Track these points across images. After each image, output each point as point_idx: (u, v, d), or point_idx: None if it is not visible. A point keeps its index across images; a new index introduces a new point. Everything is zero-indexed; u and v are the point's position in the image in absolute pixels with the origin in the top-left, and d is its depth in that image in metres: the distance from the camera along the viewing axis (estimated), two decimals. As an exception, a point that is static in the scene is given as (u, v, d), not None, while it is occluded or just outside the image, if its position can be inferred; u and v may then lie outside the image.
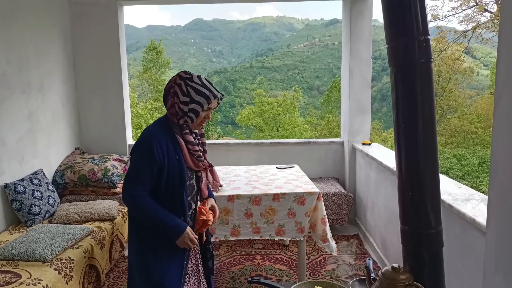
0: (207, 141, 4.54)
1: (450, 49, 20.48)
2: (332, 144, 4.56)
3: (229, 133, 32.66)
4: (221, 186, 2.89)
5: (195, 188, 1.86)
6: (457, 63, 20.98)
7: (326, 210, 3.84)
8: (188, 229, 1.75)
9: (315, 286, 1.74)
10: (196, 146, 1.78)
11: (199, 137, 1.86)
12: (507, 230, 1.10)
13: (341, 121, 4.62)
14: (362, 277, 1.77)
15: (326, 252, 3.34)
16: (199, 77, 1.77)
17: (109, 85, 4.29)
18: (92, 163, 3.88)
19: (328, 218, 3.87)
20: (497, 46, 1.16)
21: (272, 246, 3.74)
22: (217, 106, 1.82)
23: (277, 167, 3.53)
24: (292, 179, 3.10)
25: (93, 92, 4.29)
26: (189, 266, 1.90)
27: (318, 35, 76.72)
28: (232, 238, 2.74)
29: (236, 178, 3.16)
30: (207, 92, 1.73)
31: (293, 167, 3.55)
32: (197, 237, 1.81)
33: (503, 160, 1.10)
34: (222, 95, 1.80)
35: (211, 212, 1.91)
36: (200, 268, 1.97)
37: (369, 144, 4.15)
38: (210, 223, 1.86)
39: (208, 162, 1.86)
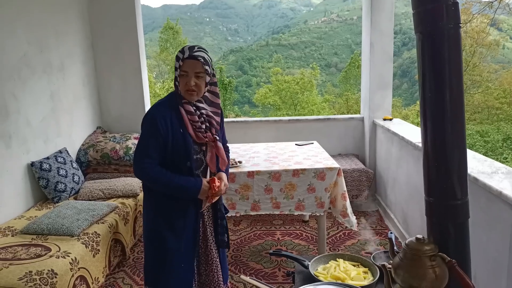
0: (226, 120, 4.55)
1: (475, 21, 19.63)
2: (352, 120, 4.50)
3: (246, 112, 32.60)
4: (240, 162, 2.91)
5: (203, 163, 1.87)
6: (482, 36, 20.15)
7: (347, 186, 3.83)
8: (204, 181, 1.80)
9: (337, 259, 1.75)
10: (196, 117, 1.77)
11: (203, 111, 1.82)
12: None
13: (361, 96, 4.53)
14: (384, 250, 1.77)
15: (346, 227, 3.36)
16: (185, 45, 1.79)
17: (127, 65, 4.31)
18: (114, 141, 3.95)
19: (348, 195, 3.87)
20: None
21: (291, 222, 3.77)
22: (205, 72, 1.72)
23: (296, 144, 3.52)
24: (312, 155, 3.09)
25: (112, 72, 4.32)
26: (208, 234, 1.93)
27: (336, 10, 74.79)
28: (252, 213, 2.77)
29: (256, 155, 3.17)
30: (180, 55, 1.73)
31: (312, 143, 3.53)
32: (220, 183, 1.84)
33: None
34: (194, 57, 1.70)
35: (219, 180, 1.86)
36: (210, 239, 1.97)
37: (390, 119, 4.07)
38: (216, 189, 1.82)
39: (213, 136, 1.82)
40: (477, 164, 2.21)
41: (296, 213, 2.79)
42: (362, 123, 4.44)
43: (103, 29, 4.22)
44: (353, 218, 2.76)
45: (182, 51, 1.75)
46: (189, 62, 1.71)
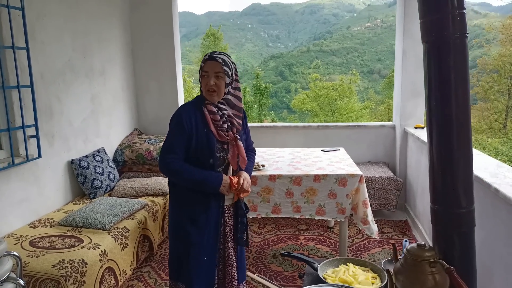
0: (255, 124, 4.64)
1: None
2: (383, 128, 4.44)
3: (284, 118, 32.65)
4: (263, 166, 2.98)
5: (225, 161, 1.96)
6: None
7: (374, 195, 3.80)
8: (225, 176, 1.91)
9: (347, 263, 1.78)
10: (218, 116, 1.89)
11: (225, 112, 1.92)
12: None
13: (394, 104, 4.46)
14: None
15: (370, 236, 3.32)
16: (210, 51, 1.94)
17: (164, 71, 4.52)
18: (149, 143, 4.16)
19: (375, 203, 3.84)
20: None
21: (316, 227, 3.78)
22: (224, 73, 1.85)
23: (322, 150, 3.53)
24: (336, 162, 3.10)
25: (150, 77, 4.55)
26: (227, 231, 2.01)
27: (381, 16, 73.11)
28: (273, 216, 2.83)
29: (280, 159, 3.22)
30: (203, 58, 1.90)
31: (339, 150, 3.53)
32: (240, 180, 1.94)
33: None
34: (214, 58, 1.85)
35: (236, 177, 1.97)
36: (229, 237, 2.04)
37: (422, 128, 3.98)
38: (236, 185, 1.92)
39: (234, 135, 1.92)
40: (501, 175, 2.14)
41: (316, 218, 2.82)
42: (393, 131, 4.37)
43: (142, 36, 4.47)
44: (374, 226, 2.74)
45: (205, 55, 1.92)
46: (209, 63, 1.87)
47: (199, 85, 1.97)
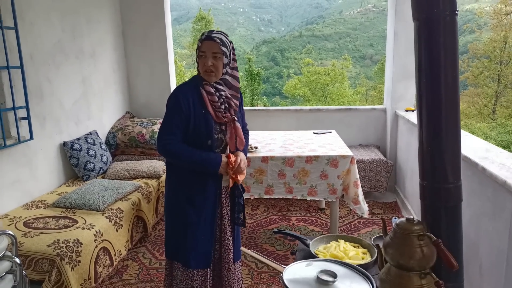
0: (248, 108, 4.65)
1: (520, 12, 18.59)
2: (374, 111, 4.48)
3: (276, 104, 32.59)
4: (256, 148, 3.00)
5: (223, 142, 1.97)
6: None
7: (365, 177, 3.86)
8: (224, 156, 1.91)
9: (338, 239, 1.83)
10: (216, 97, 1.87)
11: (223, 93, 1.91)
12: None
13: (385, 87, 4.49)
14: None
15: (361, 216, 3.39)
16: (207, 30, 1.91)
17: (155, 53, 4.48)
18: (141, 126, 4.15)
19: (366, 185, 3.90)
20: None
21: (308, 209, 3.84)
22: (222, 53, 1.82)
23: (314, 132, 3.57)
24: (327, 143, 3.14)
25: (141, 60, 4.51)
26: (224, 212, 2.04)
27: (373, 0, 72.64)
28: (266, 196, 2.87)
29: (272, 142, 3.25)
30: (199, 38, 1.88)
31: (330, 132, 3.57)
32: (238, 161, 1.94)
33: None
34: (211, 38, 1.83)
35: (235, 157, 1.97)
36: (225, 217, 2.07)
37: (413, 110, 4.03)
38: (233, 163, 1.92)
39: (231, 116, 1.92)
40: (490, 155, 2.19)
41: (308, 198, 2.87)
42: (384, 114, 4.41)
43: (133, 17, 4.40)
44: (364, 206, 2.80)
45: (202, 34, 1.88)
46: (206, 43, 1.83)
47: (195, 67, 1.95)
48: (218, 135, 1.93)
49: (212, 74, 1.86)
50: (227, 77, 1.92)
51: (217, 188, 1.97)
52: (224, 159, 1.91)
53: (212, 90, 1.88)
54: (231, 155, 1.94)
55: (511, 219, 1.72)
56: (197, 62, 1.91)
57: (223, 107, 1.89)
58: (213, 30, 1.87)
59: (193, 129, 1.86)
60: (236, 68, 1.95)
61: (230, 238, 2.06)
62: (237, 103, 1.98)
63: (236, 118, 1.93)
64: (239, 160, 1.93)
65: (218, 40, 1.82)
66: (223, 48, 1.83)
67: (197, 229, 1.94)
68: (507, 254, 1.75)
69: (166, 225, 2.05)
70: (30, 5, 2.96)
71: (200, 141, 1.88)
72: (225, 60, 1.86)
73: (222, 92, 1.90)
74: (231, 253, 2.07)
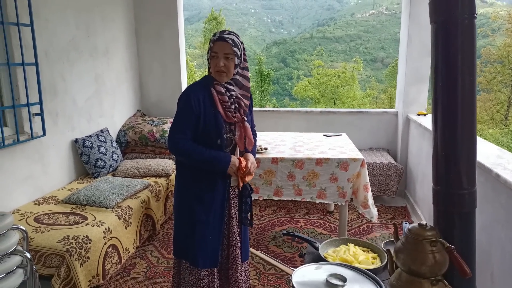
0: (258, 109, 4.64)
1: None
2: (385, 115, 4.44)
3: (285, 105, 32.55)
4: (265, 149, 2.99)
5: (232, 142, 1.97)
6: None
7: (374, 180, 3.83)
8: (234, 157, 1.91)
9: (348, 243, 1.81)
10: (226, 97, 1.88)
11: (233, 93, 1.92)
12: None
13: (397, 90, 4.45)
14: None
15: (370, 221, 3.36)
16: (218, 30, 1.91)
17: (167, 52, 4.50)
18: (152, 124, 4.17)
19: (376, 189, 3.87)
20: None
21: (316, 211, 3.82)
22: (233, 54, 1.83)
23: (324, 135, 3.55)
24: (338, 146, 3.12)
25: (153, 59, 4.53)
26: (232, 211, 2.04)
27: (386, 3, 72.12)
28: (274, 198, 2.86)
29: (282, 143, 3.24)
30: (212, 38, 1.87)
31: (341, 135, 3.55)
32: (248, 163, 1.95)
33: None
34: (223, 39, 1.83)
35: (244, 160, 1.98)
36: (234, 217, 2.06)
37: (425, 115, 3.98)
38: (244, 169, 1.93)
39: (241, 116, 1.93)
40: (502, 161, 2.15)
41: (317, 201, 2.85)
42: (395, 118, 4.37)
43: (146, 16, 4.43)
44: (374, 210, 2.77)
45: (214, 34, 1.89)
46: (219, 43, 1.84)
47: (206, 67, 1.96)
48: (227, 135, 1.93)
49: (224, 74, 1.87)
50: (237, 77, 1.93)
51: (225, 187, 1.97)
52: (233, 159, 1.91)
53: (223, 90, 1.89)
54: (242, 159, 1.94)
55: (525, 227, 1.69)
56: (208, 62, 1.92)
57: (233, 107, 1.90)
58: (225, 31, 1.88)
59: (203, 128, 1.87)
60: (246, 68, 1.96)
61: (238, 238, 2.06)
62: (247, 103, 1.99)
63: (245, 118, 1.95)
64: (250, 165, 1.95)
65: (230, 41, 1.83)
66: (235, 49, 1.84)
67: (205, 227, 1.94)
68: (521, 263, 1.72)
69: (175, 223, 2.06)
70: (45, 3, 2.99)
71: (210, 140, 1.89)
72: (237, 61, 1.87)
73: (233, 92, 1.92)
74: (239, 253, 2.06)
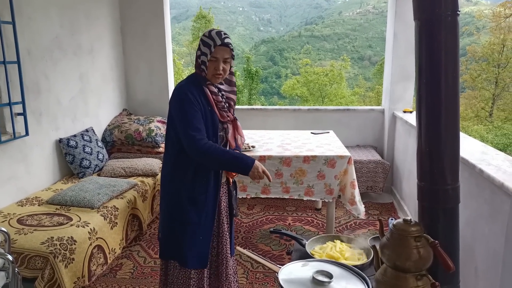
0: (246, 107, 4.64)
1: (518, 15, 18.66)
2: (372, 112, 4.47)
3: (274, 103, 32.59)
4: (253, 147, 2.99)
5: (224, 139, 1.97)
6: (526, 31, 19.14)
7: (362, 177, 3.86)
8: (257, 162, 1.84)
9: (334, 240, 1.82)
10: (220, 97, 1.88)
11: (223, 93, 1.92)
12: None
13: (383, 88, 4.49)
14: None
15: (357, 217, 3.38)
16: (210, 30, 1.84)
17: (154, 51, 4.45)
18: (138, 123, 4.13)
19: (363, 186, 3.90)
20: None
21: (304, 209, 3.83)
22: (231, 58, 1.84)
23: (311, 132, 3.56)
24: (325, 144, 3.13)
25: (139, 57, 4.48)
26: (222, 208, 2.03)
27: (373, 1, 72.72)
28: (262, 196, 2.86)
29: (270, 141, 3.24)
30: (210, 42, 1.79)
31: (328, 132, 3.56)
32: (265, 170, 1.88)
33: None
34: (225, 44, 1.80)
35: None
36: (223, 213, 2.06)
37: (411, 112, 4.02)
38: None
39: (233, 115, 1.95)
40: (487, 157, 2.19)
41: (305, 198, 2.86)
42: (382, 115, 4.41)
43: (132, 14, 4.38)
44: (361, 207, 2.79)
45: (210, 37, 1.81)
46: (220, 48, 1.81)
47: (193, 64, 1.92)
48: (220, 133, 1.94)
49: (221, 76, 1.86)
50: (227, 75, 1.92)
51: (218, 187, 1.96)
52: (257, 163, 1.83)
53: (216, 90, 1.88)
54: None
55: (507, 221, 1.72)
56: (198, 62, 1.86)
57: (226, 106, 1.91)
58: (221, 33, 1.83)
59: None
60: (232, 64, 1.96)
61: (227, 233, 2.06)
62: (235, 99, 2.00)
63: (237, 118, 1.98)
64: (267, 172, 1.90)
65: (231, 47, 1.84)
66: (233, 53, 1.86)
67: (197, 229, 1.92)
68: (503, 257, 1.75)
69: (163, 224, 2.01)
70: (28, 0, 2.93)
71: (207, 136, 1.86)
72: (233, 63, 1.88)
73: (224, 92, 1.93)
74: (228, 249, 2.06)
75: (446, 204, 1.37)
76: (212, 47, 1.79)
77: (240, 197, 2.89)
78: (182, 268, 1.95)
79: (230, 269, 2.07)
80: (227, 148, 1.99)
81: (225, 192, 2.06)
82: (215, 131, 1.88)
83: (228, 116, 1.93)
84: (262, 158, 2.80)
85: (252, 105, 23.24)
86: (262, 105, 26.56)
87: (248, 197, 2.88)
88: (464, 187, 1.87)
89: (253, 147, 2.98)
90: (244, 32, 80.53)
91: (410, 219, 1.34)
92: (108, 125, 4.16)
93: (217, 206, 2.00)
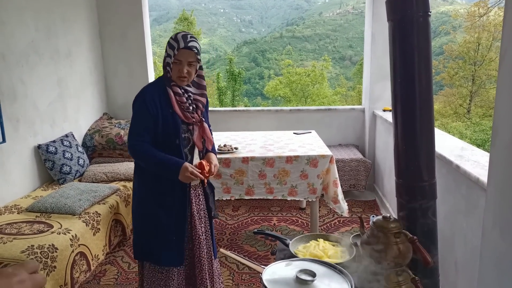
0: (229, 108, 4.64)
1: (492, 14, 19.20)
2: (353, 111, 4.53)
3: (257, 104, 32.64)
4: (236, 148, 2.99)
5: (190, 141, 1.97)
6: (499, 29, 19.68)
7: (344, 176, 3.90)
8: (187, 163, 1.84)
9: (317, 239, 1.84)
10: (184, 98, 1.88)
11: (191, 94, 1.92)
12: (505, 187, 1.12)
13: (363, 87, 4.56)
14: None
15: (341, 215, 3.42)
16: (177, 33, 1.86)
17: (133, 54, 4.41)
18: (119, 127, 4.08)
19: (345, 184, 3.94)
20: (505, 1, 1.14)
21: (288, 209, 3.85)
22: (196, 61, 1.85)
23: (294, 133, 3.58)
24: (307, 144, 3.16)
25: (119, 60, 4.43)
26: (194, 210, 2.02)
27: (352, 2, 73.65)
28: (246, 197, 2.86)
29: (253, 142, 3.25)
30: (175, 44, 1.81)
31: (310, 132, 3.59)
32: (198, 170, 1.87)
33: (504, 117, 1.10)
34: (188, 47, 1.81)
35: (208, 164, 1.96)
36: (196, 216, 2.05)
37: (390, 110, 4.09)
38: (207, 174, 1.91)
39: (199, 117, 1.94)
40: (465, 153, 2.25)
41: (289, 198, 2.87)
42: (363, 114, 4.47)
43: (110, 17, 4.32)
44: (344, 205, 2.83)
45: (176, 39, 1.84)
46: (184, 51, 1.82)
47: (160, 67, 1.91)
48: (185, 134, 1.94)
49: (185, 79, 1.87)
50: (194, 78, 1.94)
51: (185, 189, 1.96)
52: (185, 166, 1.82)
53: (180, 91, 1.88)
54: (204, 163, 1.91)
55: (483, 215, 1.77)
56: (166, 64, 1.87)
57: (191, 107, 1.91)
58: (187, 36, 1.83)
59: (162, 129, 1.87)
60: (201, 67, 1.97)
61: (202, 236, 2.05)
62: (204, 102, 2.00)
63: (204, 119, 1.97)
64: (213, 169, 1.94)
65: (195, 49, 1.83)
66: (198, 57, 1.86)
67: (168, 230, 1.94)
68: (480, 250, 1.80)
69: (136, 226, 2.03)
70: (1, 4, 2.86)
71: (168, 140, 1.88)
72: (198, 66, 1.89)
73: (190, 94, 1.92)
74: (204, 252, 2.05)
75: (423, 200, 1.40)
76: (176, 49, 1.81)
77: (225, 199, 2.89)
78: (157, 269, 1.97)
79: (205, 273, 2.06)
80: (195, 150, 1.99)
81: (200, 194, 2.06)
82: (177, 133, 1.88)
83: (193, 118, 1.91)
84: (245, 160, 2.81)
85: (235, 106, 23.23)
86: (246, 106, 26.58)
87: (233, 198, 2.89)
88: (441, 183, 1.92)
89: (236, 148, 2.98)
90: (226, 34, 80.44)
91: (390, 216, 1.37)
92: (89, 130, 4.10)
93: (189, 208, 2.00)
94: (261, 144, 3.18)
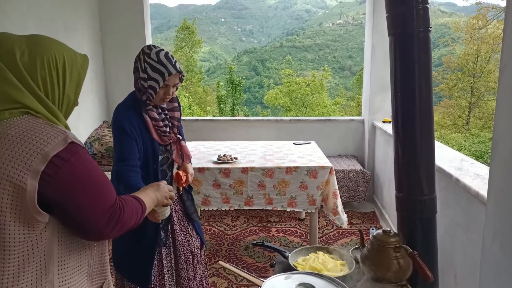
0: (229, 118, 4.65)
1: (491, 27, 19.37)
2: (352, 122, 4.54)
3: (257, 114, 32.75)
4: (236, 158, 2.99)
5: (169, 159, 1.95)
6: (498, 42, 19.85)
7: (343, 187, 3.90)
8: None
9: (317, 251, 1.83)
10: (161, 122, 1.83)
11: (166, 112, 1.89)
12: (505, 200, 1.13)
13: (363, 98, 4.58)
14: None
15: (340, 227, 3.41)
16: (157, 53, 1.75)
17: (135, 62, 4.42)
18: (119, 136, 4.08)
19: (345, 195, 3.94)
20: (505, 15, 1.16)
21: (287, 219, 3.84)
22: (180, 82, 1.82)
23: (293, 143, 3.59)
24: (307, 154, 3.16)
25: (120, 68, 4.44)
26: (175, 218, 2.00)
27: (352, 13, 74.36)
28: (245, 208, 2.85)
29: (252, 152, 3.25)
30: (163, 69, 1.72)
31: (310, 143, 3.60)
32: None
33: (504, 131, 1.11)
34: (179, 71, 1.78)
35: (185, 174, 1.96)
36: (177, 222, 2.03)
37: (390, 122, 4.11)
38: (184, 184, 1.94)
39: (176, 136, 1.91)
40: (464, 165, 2.25)
41: (288, 209, 2.86)
42: (362, 125, 4.48)
43: (112, 26, 4.35)
44: (343, 216, 2.81)
45: (161, 63, 1.74)
46: (173, 76, 1.77)
47: (133, 83, 1.83)
48: (164, 155, 1.92)
49: (168, 99, 1.84)
50: None
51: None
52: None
53: (156, 115, 1.83)
54: (181, 173, 1.91)
55: (484, 229, 1.76)
56: (146, 87, 1.76)
57: (168, 128, 1.87)
58: (171, 58, 1.77)
59: (142, 155, 1.81)
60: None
61: (185, 240, 2.03)
62: (179, 116, 1.97)
63: (180, 137, 1.94)
64: (190, 178, 1.96)
65: (184, 73, 1.83)
66: (183, 77, 1.86)
67: (138, 249, 1.91)
68: (480, 264, 1.79)
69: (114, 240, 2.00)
70: (5, 13, 2.88)
71: (146, 165, 1.83)
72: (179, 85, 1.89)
73: (165, 113, 1.89)
74: (190, 258, 2.03)
75: (423, 214, 1.40)
76: (166, 75, 1.73)
77: (224, 209, 2.88)
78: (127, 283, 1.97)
79: (191, 279, 2.05)
80: (175, 165, 1.97)
81: (176, 202, 2.01)
82: (155, 158, 1.85)
83: (170, 139, 1.89)
84: (245, 170, 2.81)
85: (235, 115, 23.28)
86: (245, 115, 26.65)
87: (232, 209, 2.88)
88: (441, 196, 1.92)
89: (235, 158, 2.98)
90: (227, 43, 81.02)
91: (390, 230, 1.36)
92: (88, 138, 4.10)
93: (163, 225, 1.95)
94: (261, 154, 3.18)
